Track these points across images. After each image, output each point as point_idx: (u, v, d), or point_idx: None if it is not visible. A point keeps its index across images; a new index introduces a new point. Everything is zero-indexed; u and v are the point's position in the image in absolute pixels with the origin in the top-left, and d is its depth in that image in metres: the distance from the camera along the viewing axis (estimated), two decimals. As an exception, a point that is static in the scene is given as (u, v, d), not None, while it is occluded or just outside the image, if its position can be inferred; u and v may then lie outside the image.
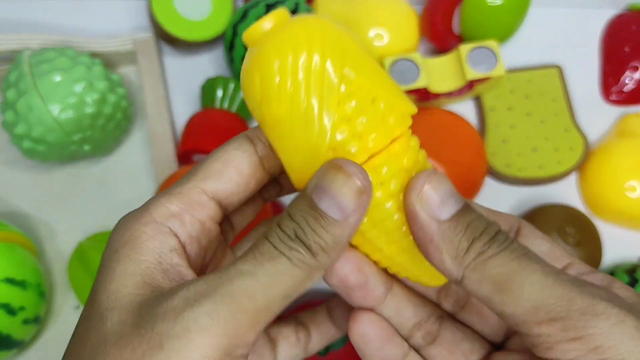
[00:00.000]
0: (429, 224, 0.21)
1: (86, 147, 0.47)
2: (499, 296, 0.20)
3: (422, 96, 0.49)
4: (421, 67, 0.48)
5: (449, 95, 0.50)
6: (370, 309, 0.25)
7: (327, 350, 0.43)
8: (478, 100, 0.53)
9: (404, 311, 0.26)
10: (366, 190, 0.21)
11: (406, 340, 0.26)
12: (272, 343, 0.27)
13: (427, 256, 0.22)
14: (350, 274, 0.24)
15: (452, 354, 0.25)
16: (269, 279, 0.19)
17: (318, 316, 0.28)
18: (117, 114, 0.47)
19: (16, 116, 0.43)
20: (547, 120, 0.52)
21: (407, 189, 0.22)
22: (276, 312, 0.20)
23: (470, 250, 0.21)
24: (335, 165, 0.21)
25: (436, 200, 0.21)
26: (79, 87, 0.43)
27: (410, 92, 0.48)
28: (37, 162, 0.50)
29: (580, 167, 0.51)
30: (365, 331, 0.25)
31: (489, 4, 0.49)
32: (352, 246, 0.24)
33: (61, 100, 0.42)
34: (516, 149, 0.51)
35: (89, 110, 0.44)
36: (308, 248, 0.20)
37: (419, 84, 0.48)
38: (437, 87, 0.49)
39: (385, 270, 0.25)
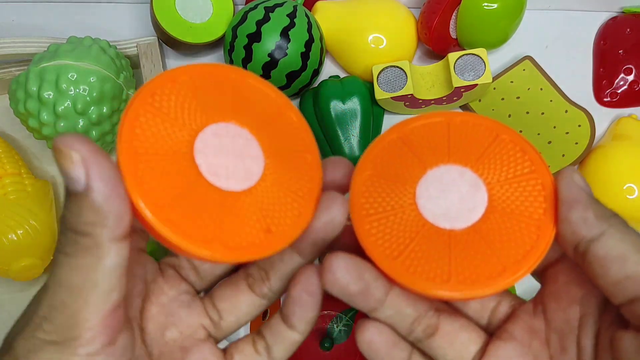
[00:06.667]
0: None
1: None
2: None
3: (411, 103, 0.51)
4: (409, 75, 0.49)
5: (439, 102, 0.51)
6: (374, 319, 0.27)
7: (332, 344, 0.44)
8: (467, 108, 0.54)
9: (404, 309, 0.27)
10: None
11: (407, 335, 0.27)
12: (229, 358, 0.28)
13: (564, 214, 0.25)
14: (351, 283, 0.25)
15: (451, 344, 0.27)
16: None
17: (273, 325, 0.28)
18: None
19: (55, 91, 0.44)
20: (546, 109, 0.53)
21: None
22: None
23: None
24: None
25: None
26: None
27: (398, 99, 0.50)
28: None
29: (578, 169, 0.52)
30: (373, 339, 0.27)
31: (485, 8, 0.50)
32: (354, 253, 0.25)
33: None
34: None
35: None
36: (75, 232, 0.20)
37: (405, 91, 0.49)
38: (424, 94, 0.51)
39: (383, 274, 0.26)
